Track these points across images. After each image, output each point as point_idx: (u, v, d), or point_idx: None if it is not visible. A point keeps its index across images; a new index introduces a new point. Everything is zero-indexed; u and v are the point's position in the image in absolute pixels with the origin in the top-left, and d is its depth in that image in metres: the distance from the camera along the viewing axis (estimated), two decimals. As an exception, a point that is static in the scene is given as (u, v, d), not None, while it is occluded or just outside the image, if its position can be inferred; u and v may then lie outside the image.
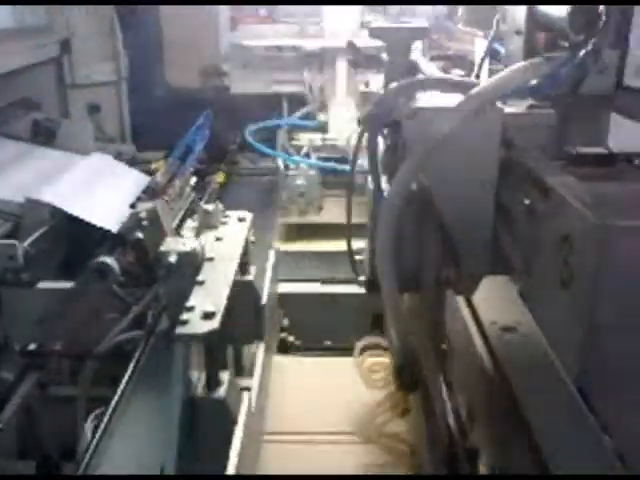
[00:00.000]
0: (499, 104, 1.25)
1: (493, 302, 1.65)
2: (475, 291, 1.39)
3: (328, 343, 2.38)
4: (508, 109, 1.27)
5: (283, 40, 3.44)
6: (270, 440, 1.76)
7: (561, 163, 1.20)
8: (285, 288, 2.34)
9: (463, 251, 1.38)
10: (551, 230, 0.96)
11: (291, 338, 2.34)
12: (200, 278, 1.42)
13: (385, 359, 2.06)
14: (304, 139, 3.27)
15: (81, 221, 2.00)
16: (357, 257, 1.60)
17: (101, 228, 2.02)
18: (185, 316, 1.27)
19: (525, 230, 1.12)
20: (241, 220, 1.73)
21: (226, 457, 1.24)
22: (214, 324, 1.25)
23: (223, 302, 1.32)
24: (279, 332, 2.33)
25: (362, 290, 2.34)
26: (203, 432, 1.28)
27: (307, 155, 3.18)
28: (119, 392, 1.29)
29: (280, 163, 3.15)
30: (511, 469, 1.24)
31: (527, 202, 1.09)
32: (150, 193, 2.42)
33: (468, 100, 1.16)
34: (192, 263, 1.46)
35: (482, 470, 1.36)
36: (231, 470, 1.20)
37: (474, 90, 1.17)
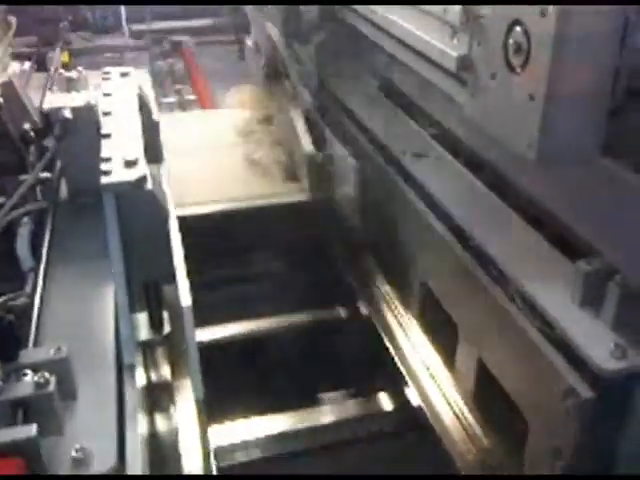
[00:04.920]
0: None
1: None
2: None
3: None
4: None
5: None
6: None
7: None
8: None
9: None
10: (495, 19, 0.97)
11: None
12: (104, 132, 1.30)
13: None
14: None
15: None
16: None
17: None
18: (105, 166, 1.16)
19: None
20: (124, 75, 1.59)
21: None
22: (141, 171, 1.16)
23: (141, 150, 1.22)
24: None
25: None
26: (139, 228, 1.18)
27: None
28: (44, 259, 1.18)
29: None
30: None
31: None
32: None
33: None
34: (91, 117, 1.33)
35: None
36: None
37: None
